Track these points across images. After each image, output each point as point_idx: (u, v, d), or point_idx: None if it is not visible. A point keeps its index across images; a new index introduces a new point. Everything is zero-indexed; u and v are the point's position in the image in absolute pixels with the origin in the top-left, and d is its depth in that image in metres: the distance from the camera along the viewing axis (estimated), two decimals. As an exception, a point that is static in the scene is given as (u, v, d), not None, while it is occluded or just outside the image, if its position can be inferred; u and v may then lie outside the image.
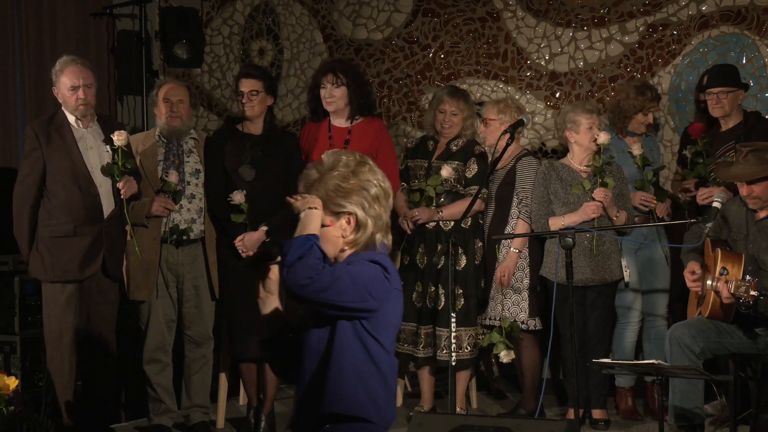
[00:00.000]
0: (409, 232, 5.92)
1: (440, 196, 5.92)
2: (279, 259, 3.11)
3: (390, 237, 3.22)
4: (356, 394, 3.10)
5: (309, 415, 3.13)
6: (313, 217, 3.07)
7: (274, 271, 3.18)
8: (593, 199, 5.68)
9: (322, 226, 3.12)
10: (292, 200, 3.13)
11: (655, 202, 5.93)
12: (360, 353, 3.10)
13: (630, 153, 5.98)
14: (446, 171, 5.88)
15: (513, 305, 5.93)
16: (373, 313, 3.08)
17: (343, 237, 3.16)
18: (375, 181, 3.17)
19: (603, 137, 5.70)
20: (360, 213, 3.13)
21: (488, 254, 5.98)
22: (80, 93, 5.43)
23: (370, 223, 3.15)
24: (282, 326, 3.25)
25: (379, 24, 7.39)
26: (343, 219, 3.14)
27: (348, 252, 3.19)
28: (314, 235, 3.02)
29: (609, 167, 5.78)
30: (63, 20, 6.96)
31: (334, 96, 5.77)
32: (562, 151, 6.66)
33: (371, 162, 3.21)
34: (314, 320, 3.13)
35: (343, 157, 3.17)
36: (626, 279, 5.78)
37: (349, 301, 3.01)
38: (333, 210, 3.13)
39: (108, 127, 5.56)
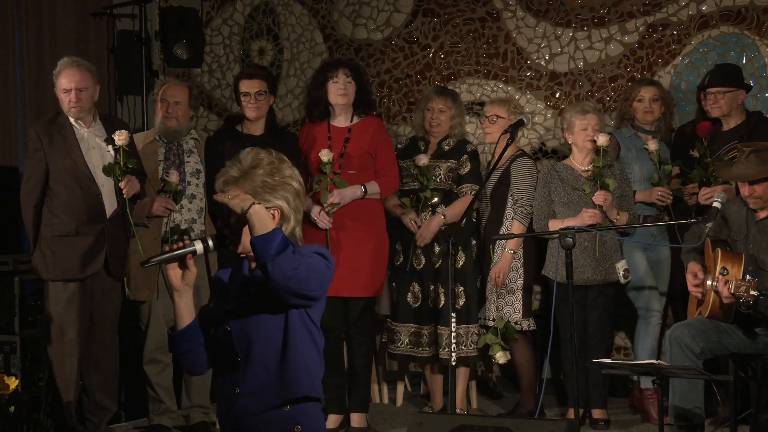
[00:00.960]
0: (417, 229, 5.92)
1: (433, 194, 5.93)
2: (198, 251, 3.22)
3: (302, 230, 3.34)
4: (309, 376, 3.25)
5: (265, 400, 3.24)
6: (263, 212, 3.12)
7: (193, 264, 3.27)
8: (594, 203, 5.68)
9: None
10: (225, 199, 3.17)
11: (671, 197, 5.91)
12: (307, 338, 3.25)
13: (646, 149, 5.97)
14: (424, 159, 5.89)
15: (507, 306, 5.93)
16: (318, 301, 3.23)
17: None
18: (296, 177, 3.28)
19: (602, 139, 5.70)
20: (285, 206, 3.23)
21: (483, 254, 5.99)
22: (72, 96, 5.43)
23: (292, 216, 3.25)
24: (192, 318, 3.34)
25: (379, 24, 7.39)
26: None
27: None
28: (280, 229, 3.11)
29: (610, 169, 5.78)
30: (63, 20, 6.96)
31: (348, 90, 5.75)
32: (563, 151, 6.67)
33: (288, 159, 3.32)
34: (263, 309, 3.21)
35: (263, 155, 3.26)
36: (622, 281, 5.76)
37: (310, 290, 3.11)
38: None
39: (112, 126, 5.55)
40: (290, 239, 3.20)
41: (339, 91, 5.72)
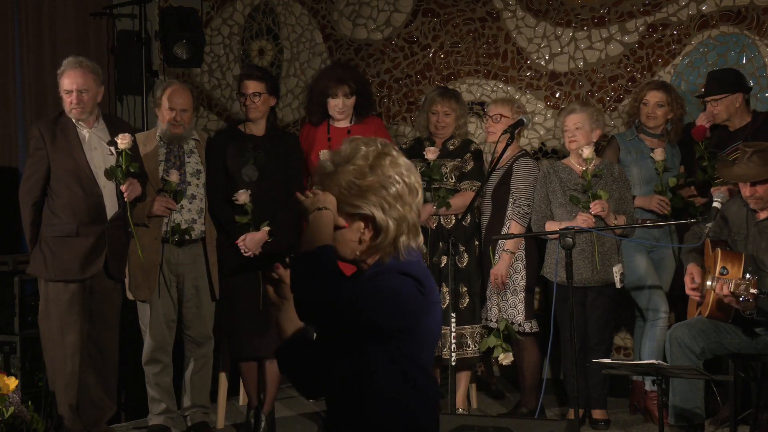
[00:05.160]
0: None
1: (447, 193, 5.95)
2: (288, 260, 2.67)
3: (421, 239, 2.76)
4: (393, 426, 2.67)
5: None
6: (323, 220, 2.62)
7: (286, 275, 2.69)
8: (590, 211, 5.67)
9: (336, 228, 2.67)
10: (302, 197, 2.67)
11: (669, 207, 5.88)
12: (397, 379, 2.66)
13: (651, 157, 5.94)
14: (432, 154, 5.89)
15: (510, 307, 5.93)
16: (408, 333, 2.64)
17: (360, 242, 2.70)
18: (397, 177, 2.69)
19: (586, 152, 5.68)
20: (379, 215, 2.66)
21: (484, 255, 5.99)
22: (73, 98, 5.42)
23: (391, 226, 2.67)
24: (299, 334, 2.77)
25: (379, 24, 7.39)
26: (359, 221, 2.68)
27: (370, 260, 2.73)
28: (328, 247, 2.59)
29: (609, 170, 5.77)
30: (63, 20, 6.97)
31: (347, 106, 5.80)
32: (563, 151, 6.67)
33: (395, 152, 2.74)
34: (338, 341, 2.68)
35: (363, 147, 2.71)
36: (618, 285, 5.75)
37: (377, 320, 2.58)
38: (347, 211, 2.68)
39: (115, 127, 5.54)
40: (388, 251, 2.68)
41: (337, 109, 5.79)
